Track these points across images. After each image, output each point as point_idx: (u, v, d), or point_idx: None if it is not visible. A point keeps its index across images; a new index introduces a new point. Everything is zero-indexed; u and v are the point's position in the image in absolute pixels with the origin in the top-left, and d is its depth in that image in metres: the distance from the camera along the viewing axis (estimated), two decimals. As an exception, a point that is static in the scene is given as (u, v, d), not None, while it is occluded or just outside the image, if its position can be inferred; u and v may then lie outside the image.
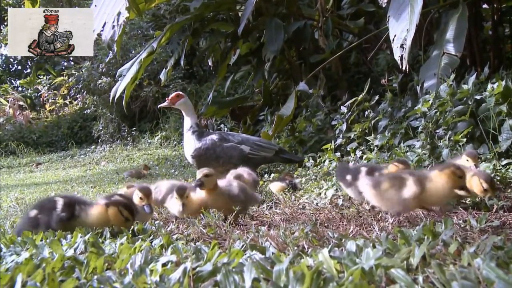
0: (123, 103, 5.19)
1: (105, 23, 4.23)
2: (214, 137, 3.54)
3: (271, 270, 1.00)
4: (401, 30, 2.79)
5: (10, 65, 18.34)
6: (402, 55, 2.75)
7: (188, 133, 3.57)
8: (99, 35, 4.72)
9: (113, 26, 4.20)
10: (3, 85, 15.60)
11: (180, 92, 3.64)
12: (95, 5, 4.38)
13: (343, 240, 1.31)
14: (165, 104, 3.63)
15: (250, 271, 0.98)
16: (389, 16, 2.95)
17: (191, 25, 5.43)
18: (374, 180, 1.81)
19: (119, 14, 4.01)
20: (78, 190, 4.06)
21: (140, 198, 1.88)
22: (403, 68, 2.75)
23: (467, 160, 2.06)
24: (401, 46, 2.75)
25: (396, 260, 1.00)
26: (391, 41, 2.85)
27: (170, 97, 3.59)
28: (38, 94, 15.02)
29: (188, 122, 3.60)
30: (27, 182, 6.01)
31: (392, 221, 1.71)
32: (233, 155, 3.47)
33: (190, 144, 3.55)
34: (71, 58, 13.42)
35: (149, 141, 9.86)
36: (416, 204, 1.69)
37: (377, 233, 1.51)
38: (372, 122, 3.53)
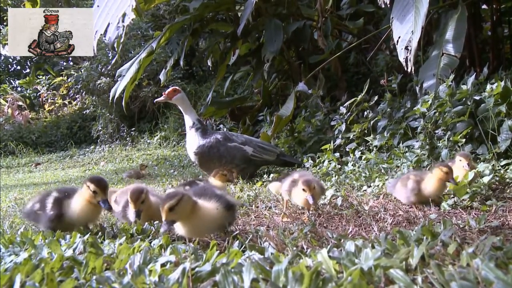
0: (123, 103, 5.19)
1: (108, 24, 4.22)
2: (219, 136, 3.53)
3: (270, 270, 1.00)
4: (405, 32, 2.78)
5: (9, 65, 18.33)
6: (407, 57, 2.74)
7: (191, 130, 3.56)
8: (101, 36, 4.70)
9: (118, 27, 4.17)
10: (2, 85, 15.59)
11: (177, 87, 3.63)
12: (98, 5, 4.37)
13: (342, 240, 1.31)
14: (162, 98, 3.61)
15: (249, 271, 0.98)
16: (392, 17, 2.94)
17: (191, 26, 5.43)
18: None
19: (124, 15, 3.99)
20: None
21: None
22: (409, 70, 2.74)
23: (460, 161, 2.08)
24: (406, 47, 2.74)
25: (395, 261, 1.00)
26: (395, 43, 2.84)
27: (167, 92, 3.58)
28: (37, 94, 15.03)
29: (188, 119, 3.59)
30: (26, 182, 6.00)
31: (391, 222, 1.71)
32: (236, 155, 3.47)
33: (194, 141, 3.53)
34: (70, 58, 13.42)
35: (148, 141, 9.86)
36: None
37: (376, 234, 1.51)
38: (371, 122, 3.53)
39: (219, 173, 2.68)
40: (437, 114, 2.81)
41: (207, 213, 1.50)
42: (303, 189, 1.86)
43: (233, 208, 1.61)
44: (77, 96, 12.64)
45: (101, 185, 1.68)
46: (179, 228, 1.51)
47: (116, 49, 4.70)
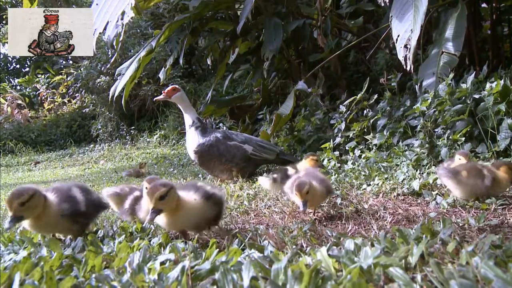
0: (122, 102, 5.18)
1: (108, 23, 4.21)
2: (218, 134, 3.53)
3: (270, 268, 1.00)
4: (404, 30, 2.78)
5: (8, 64, 18.32)
6: (406, 55, 2.74)
7: (191, 129, 3.56)
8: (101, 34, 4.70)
9: (117, 26, 4.16)
10: (2, 84, 15.57)
11: (176, 86, 3.63)
12: (97, 4, 4.36)
13: (342, 238, 1.32)
14: (161, 97, 3.60)
15: (248, 269, 0.98)
16: (391, 16, 2.93)
17: (190, 24, 5.42)
18: None
19: (123, 13, 3.98)
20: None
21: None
22: (408, 69, 2.74)
23: (459, 159, 2.07)
24: (405, 46, 2.74)
25: (394, 259, 1.00)
26: (395, 41, 2.83)
27: (166, 90, 3.57)
28: (37, 93, 15.03)
29: (188, 118, 3.59)
30: (26, 181, 6.00)
31: (390, 220, 1.71)
32: (236, 154, 3.47)
33: (194, 139, 3.53)
34: (70, 57, 13.43)
35: (147, 140, 9.86)
36: None
37: (375, 232, 1.51)
38: (371, 121, 3.53)
39: (310, 157, 2.51)
40: (436, 112, 2.81)
41: (187, 205, 1.48)
42: (295, 194, 1.73)
43: (214, 199, 1.55)
44: (77, 94, 12.64)
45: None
46: (160, 219, 1.48)
47: (116, 48, 4.69)
